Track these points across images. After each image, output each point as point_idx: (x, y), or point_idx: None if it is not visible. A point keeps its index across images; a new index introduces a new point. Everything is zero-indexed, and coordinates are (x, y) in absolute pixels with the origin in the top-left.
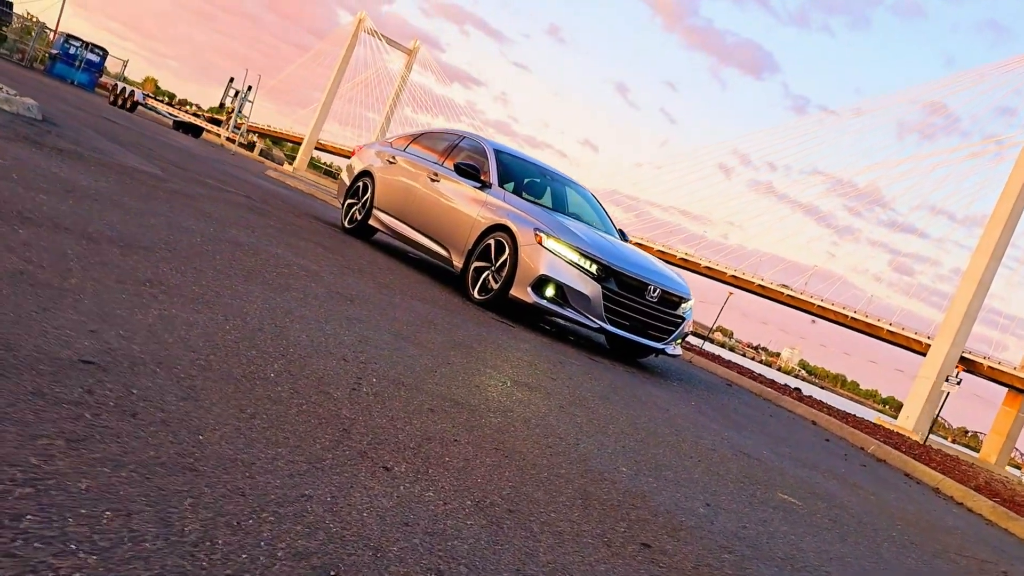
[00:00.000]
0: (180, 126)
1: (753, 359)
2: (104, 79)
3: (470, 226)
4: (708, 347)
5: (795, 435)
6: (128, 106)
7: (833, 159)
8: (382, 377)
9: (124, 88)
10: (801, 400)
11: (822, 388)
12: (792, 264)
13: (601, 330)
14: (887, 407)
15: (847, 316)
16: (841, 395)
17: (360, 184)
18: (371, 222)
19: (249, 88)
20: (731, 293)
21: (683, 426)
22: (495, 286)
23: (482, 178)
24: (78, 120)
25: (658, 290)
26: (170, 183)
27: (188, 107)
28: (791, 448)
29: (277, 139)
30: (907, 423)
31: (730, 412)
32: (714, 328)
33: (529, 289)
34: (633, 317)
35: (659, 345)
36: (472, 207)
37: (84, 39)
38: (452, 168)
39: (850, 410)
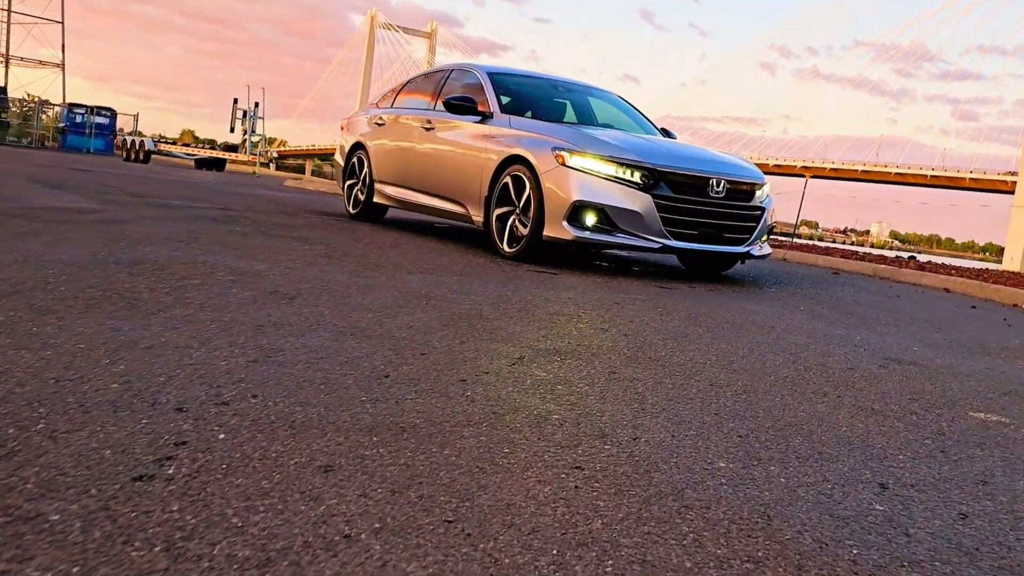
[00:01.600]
0: (202, 164)
1: (844, 243)
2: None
3: (479, 168)
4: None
5: (937, 313)
6: (142, 157)
7: (871, 25)
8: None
9: (134, 141)
10: (923, 268)
11: (920, 253)
12: (858, 140)
13: (665, 249)
14: (988, 254)
15: (926, 176)
16: (940, 255)
17: (355, 160)
18: (377, 199)
19: (256, 105)
20: (807, 180)
21: (799, 345)
22: (524, 232)
23: (480, 109)
24: (78, 180)
25: (723, 182)
26: (101, 213)
27: (202, 144)
28: (943, 331)
29: (324, 156)
30: (1012, 264)
31: (850, 306)
32: (799, 222)
33: (565, 223)
34: (700, 223)
35: (741, 248)
36: (477, 146)
37: (88, 104)
38: (444, 108)
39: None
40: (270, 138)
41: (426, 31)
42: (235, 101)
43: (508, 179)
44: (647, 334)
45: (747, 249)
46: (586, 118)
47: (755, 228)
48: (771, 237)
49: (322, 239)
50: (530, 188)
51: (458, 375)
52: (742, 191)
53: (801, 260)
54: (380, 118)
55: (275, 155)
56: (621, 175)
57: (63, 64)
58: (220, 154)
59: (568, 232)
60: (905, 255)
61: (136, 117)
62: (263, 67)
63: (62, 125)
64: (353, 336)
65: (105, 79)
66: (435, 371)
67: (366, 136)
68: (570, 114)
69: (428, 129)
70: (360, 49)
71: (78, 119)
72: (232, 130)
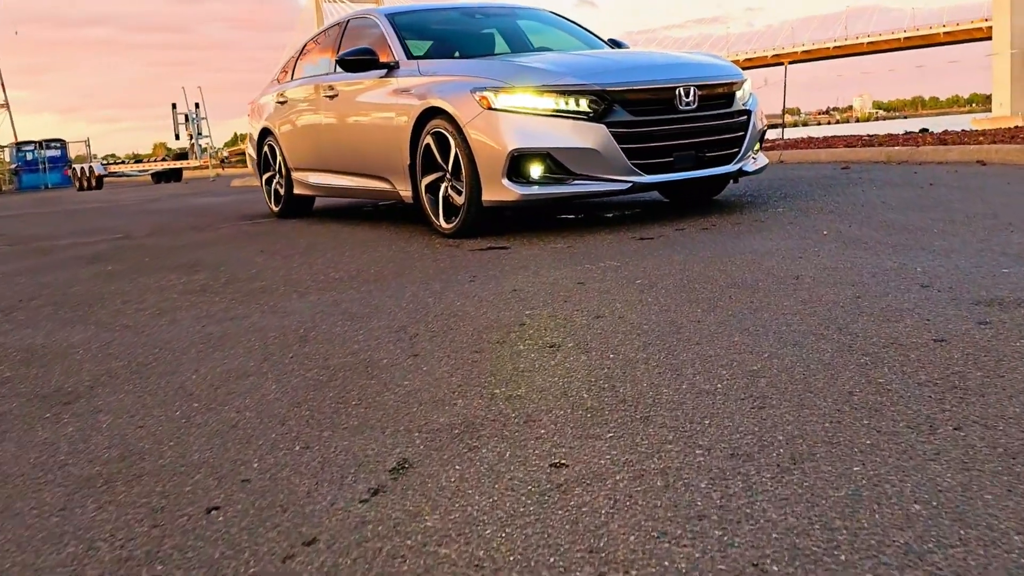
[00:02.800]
0: (159, 177)
1: (828, 123)
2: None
3: (394, 133)
4: (788, 134)
5: (994, 200)
6: (94, 184)
7: None
8: None
9: (83, 168)
10: (944, 142)
11: (906, 118)
12: (824, 17)
13: (637, 187)
14: (975, 104)
15: (899, 39)
16: (928, 116)
17: (266, 149)
18: (298, 191)
19: (197, 105)
20: (786, 67)
21: (846, 307)
22: (460, 201)
23: (384, 60)
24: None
25: (692, 90)
26: None
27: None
28: (1011, 226)
29: None
30: (1002, 110)
31: (883, 213)
32: (784, 110)
33: (506, 181)
34: (674, 146)
35: (731, 167)
36: (386, 105)
37: (37, 140)
38: (341, 68)
39: (946, 125)
40: (241, 135)
41: None
42: (173, 106)
43: (429, 139)
44: (620, 343)
45: (738, 166)
46: (519, 45)
47: (743, 139)
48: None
49: (216, 261)
50: (455, 145)
51: (266, 544)
52: (718, 96)
53: (801, 159)
54: (282, 95)
55: (224, 155)
56: (564, 106)
57: (7, 103)
58: (172, 164)
59: (512, 192)
60: (911, 128)
61: (87, 143)
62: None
63: (14, 166)
64: (106, 486)
65: (75, 109)
66: (224, 541)
67: (272, 119)
68: (501, 44)
69: (331, 97)
70: (311, 26)
71: (29, 156)
72: (177, 137)
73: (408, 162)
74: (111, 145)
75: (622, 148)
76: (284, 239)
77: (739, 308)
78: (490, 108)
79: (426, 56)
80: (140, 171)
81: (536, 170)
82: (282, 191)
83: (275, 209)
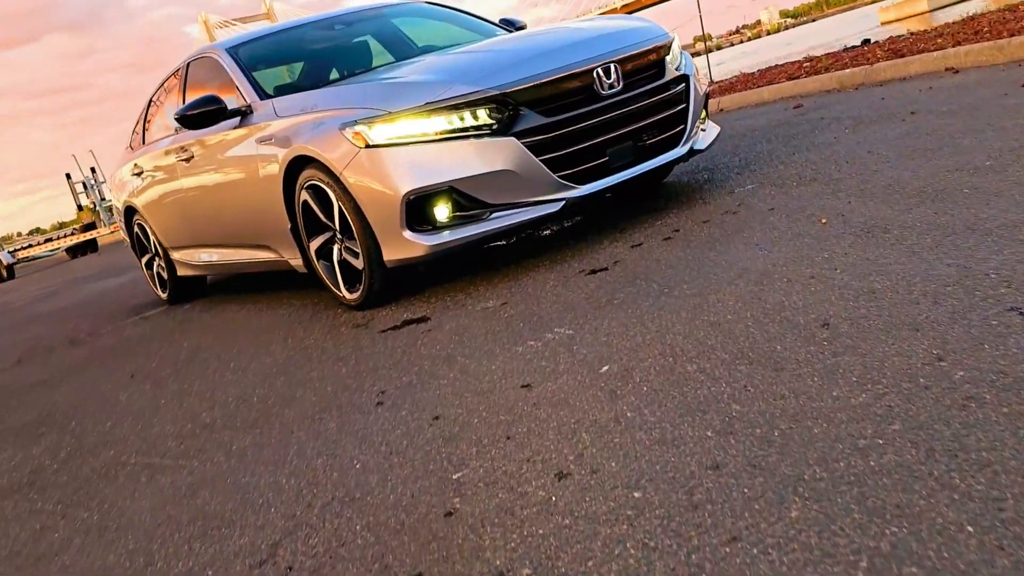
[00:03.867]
0: (75, 251)
1: (742, 42)
2: None
3: (263, 192)
4: (711, 67)
5: (994, 122)
6: (5, 275)
7: None
8: None
9: None
10: (896, 54)
11: (814, 21)
12: None
13: (573, 203)
14: None
15: None
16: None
17: (136, 229)
18: (183, 273)
19: (93, 170)
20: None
21: (883, 351)
22: (358, 264)
23: (238, 107)
24: None
25: (613, 68)
26: None
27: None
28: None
29: None
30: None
31: (873, 169)
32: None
33: (408, 233)
34: (605, 143)
35: (679, 151)
36: (247, 159)
37: None
38: (183, 125)
39: (857, 22)
40: None
41: (263, 12)
42: (68, 177)
43: (306, 194)
44: (602, 554)
45: (688, 146)
46: (402, 50)
47: (686, 112)
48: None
49: (70, 407)
50: (336, 198)
51: None
52: (646, 67)
53: (742, 102)
54: (137, 166)
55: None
56: (460, 124)
57: None
58: (82, 237)
59: (418, 244)
60: (825, 34)
61: None
62: (126, 115)
63: None
64: None
65: None
66: None
67: (134, 195)
68: (381, 53)
69: (187, 161)
70: None
71: None
72: (80, 207)
73: (288, 225)
74: (38, 217)
75: (542, 160)
76: (167, 344)
77: (772, 416)
78: (368, 146)
79: (291, 89)
80: (52, 251)
81: (442, 211)
82: (165, 275)
83: (163, 296)
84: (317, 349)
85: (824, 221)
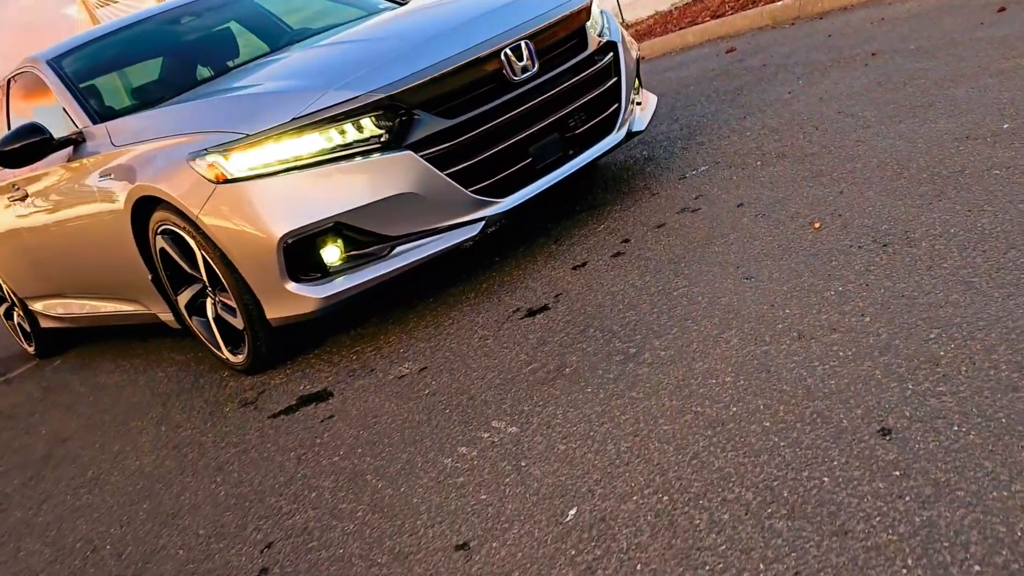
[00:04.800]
0: None
1: None
2: None
3: (111, 238)
4: (621, 9)
5: (983, 59)
6: None
7: None
8: None
9: None
10: None
11: None
12: None
13: (493, 220)
14: None
15: None
16: None
17: None
18: (46, 324)
19: None
20: None
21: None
22: (239, 322)
23: (67, 135)
24: None
25: (523, 45)
26: None
27: None
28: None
29: None
30: None
31: (853, 136)
32: None
33: (293, 285)
34: (526, 138)
35: (616, 137)
36: (86, 199)
37: None
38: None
39: None
40: None
41: None
42: None
43: (162, 241)
44: None
45: (625, 128)
46: (274, 35)
47: (618, 85)
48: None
49: None
50: (197, 246)
51: None
52: (564, 40)
53: (666, 47)
54: None
55: None
56: (341, 141)
57: None
58: None
59: (308, 298)
60: None
61: None
62: None
63: None
64: None
65: None
66: None
67: None
68: (250, 41)
69: (21, 200)
70: None
71: None
72: None
73: (149, 275)
74: None
75: (449, 175)
76: (23, 432)
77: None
78: (226, 180)
79: (135, 108)
80: None
81: (332, 253)
82: (28, 327)
83: (31, 350)
84: (194, 447)
85: (818, 225)
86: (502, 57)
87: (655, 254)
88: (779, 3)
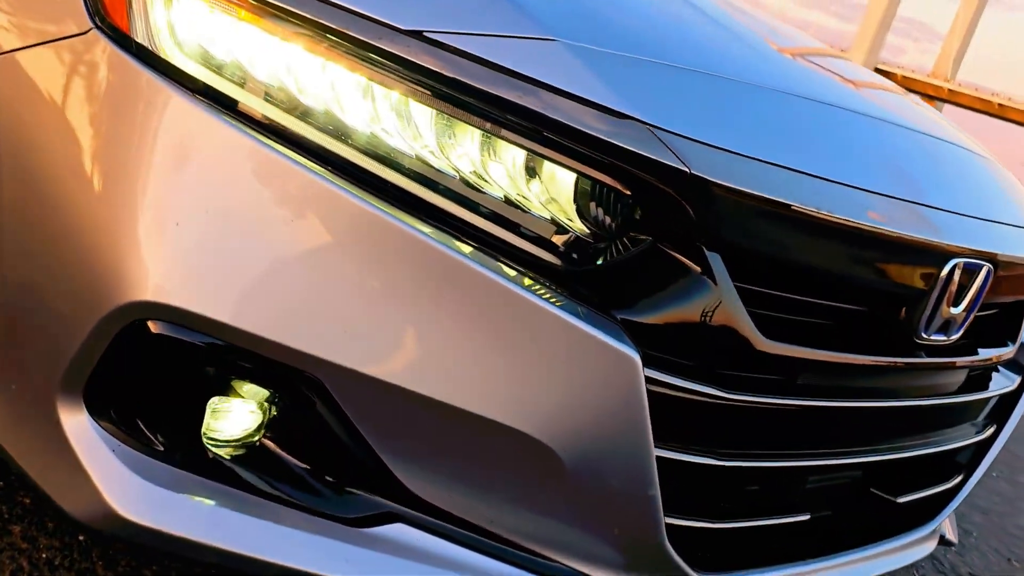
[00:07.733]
0: None
1: None
2: None
3: None
4: None
5: None
6: None
7: None
8: None
9: None
10: None
11: None
12: None
13: None
14: None
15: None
16: None
17: None
18: None
19: None
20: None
21: None
22: None
23: None
24: None
25: (985, 273)
26: None
27: None
28: None
29: None
30: None
31: None
32: None
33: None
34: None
35: (924, 531)
36: None
37: None
38: None
39: None
40: None
41: None
42: None
43: None
44: None
45: (935, 524)
46: None
47: (986, 447)
48: None
49: None
50: None
51: None
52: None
53: None
54: None
55: None
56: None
57: None
58: None
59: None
60: None
61: None
62: None
63: None
64: None
65: None
66: None
67: None
68: None
69: None
70: None
71: None
72: None
73: None
74: None
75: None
76: None
77: None
78: None
79: None
80: None
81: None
82: None
83: None
84: None
85: None
86: (944, 273)
87: None
88: None
